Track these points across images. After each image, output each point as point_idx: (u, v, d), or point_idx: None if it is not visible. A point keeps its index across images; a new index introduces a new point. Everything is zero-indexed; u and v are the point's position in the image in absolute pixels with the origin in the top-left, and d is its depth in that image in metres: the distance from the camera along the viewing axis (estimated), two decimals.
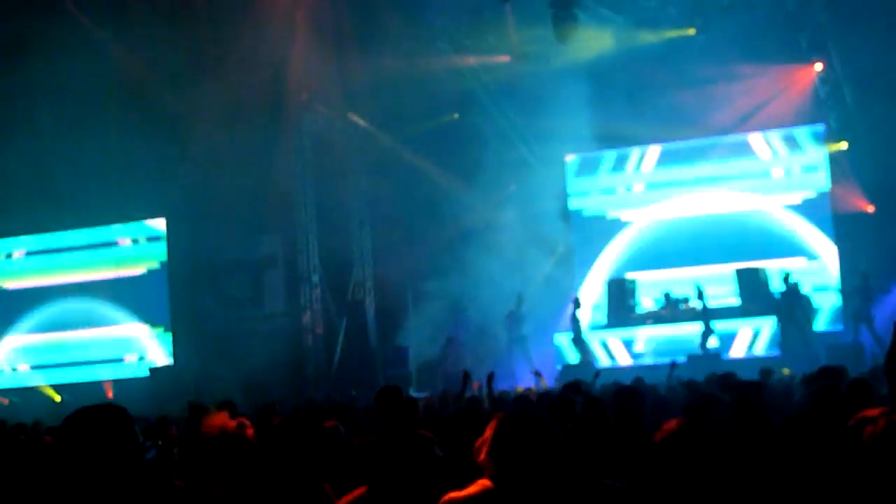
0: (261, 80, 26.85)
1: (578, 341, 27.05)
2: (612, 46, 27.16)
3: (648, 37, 27.10)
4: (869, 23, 24.83)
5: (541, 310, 28.23)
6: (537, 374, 17.12)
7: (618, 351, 28.09)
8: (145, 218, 31.38)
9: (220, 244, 29.68)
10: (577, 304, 27.36)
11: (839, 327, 26.75)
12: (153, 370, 28.89)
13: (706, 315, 25.76)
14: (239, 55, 26.54)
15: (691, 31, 26.87)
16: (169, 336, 30.78)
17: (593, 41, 26.94)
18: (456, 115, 29.68)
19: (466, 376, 13.11)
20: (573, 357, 27.23)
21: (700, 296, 25.78)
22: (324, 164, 28.86)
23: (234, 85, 26.07)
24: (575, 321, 27.11)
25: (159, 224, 31.23)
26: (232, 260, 30.09)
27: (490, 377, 13.66)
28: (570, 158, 30.36)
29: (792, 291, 25.35)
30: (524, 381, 23.30)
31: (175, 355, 30.24)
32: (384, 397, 9.19)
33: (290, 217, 28.70)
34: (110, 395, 29.38)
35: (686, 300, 26.88)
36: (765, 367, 17.15)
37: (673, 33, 27.03)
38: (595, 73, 27.25)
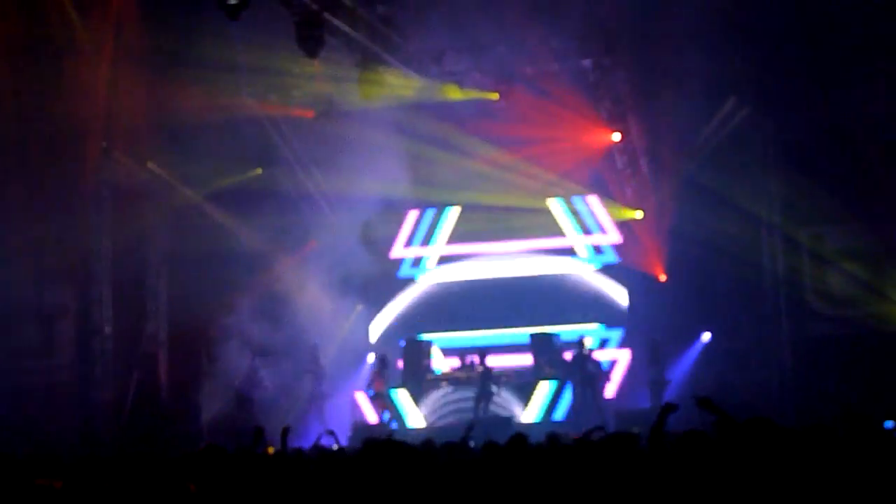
0: (57, 124, 27.21)
1: (381, 398, 27.90)
2: (417, 105, 28.22)
3: (454, 94, 28.19)
4: (666, 95, 26.56)
5: (337, 368, 29.08)
6: (331, 433, 17.65)
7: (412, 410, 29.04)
8: None
9: (9, 293, 29.82)
10: (384, 363, 28.33)
11: (630, 393, 28.30)
12: None
13: (485, 378, 27.02)
14: (36, 97, 26.87)
15: (495, 96, 28.05)
16: None
17: (398, 100, 28.08)
18: (259, 170, 30.46)
19: (259, 433, 13.31)
20: (372, 416, 27.99)
21: (482, 360, 27.15)
22: (121, 214, 29.25)
23: (30, 128, 26.39)
24: (373, 379, 28.00)
25: None
26: (21, 308, 30.20)
27: (284, 432, 13.95)
28: (372, 217, 31.37)
29: (584, 356, 26.88)
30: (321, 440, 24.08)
31: None
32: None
33: (84, 267, 28.98)
34: None
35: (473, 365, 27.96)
36: (552, 433, 18.25)
37: (477, 95, 28.13)
38: (400, 131, 28.42)
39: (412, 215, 31.27)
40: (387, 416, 27.49)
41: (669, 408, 9.01)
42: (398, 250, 31.51)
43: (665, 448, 8.28)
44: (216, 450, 8.76)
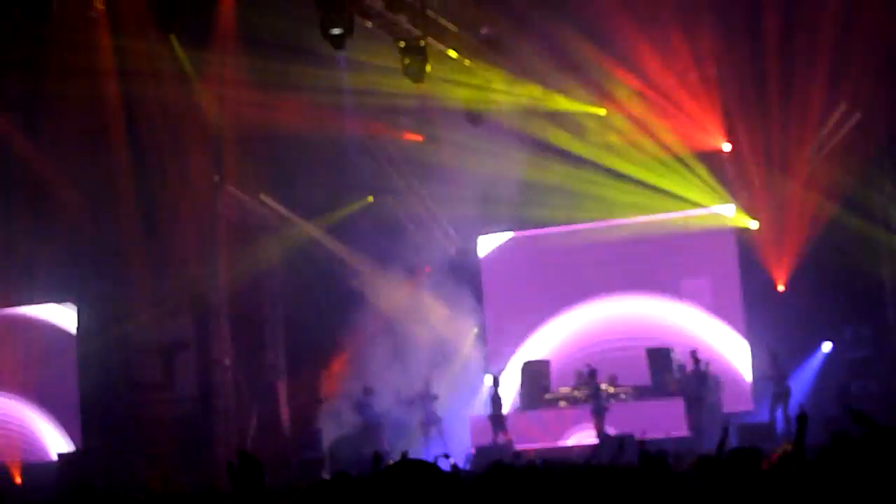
0: (171, 159, 27.93)
1: (497, 421, 28.14)
2: (523, 128, 28.44)
3: (562, 104, 28.43)
4: (777, 103, 26.58)
5: (455, 391, 29.39)
6: (446, 457, 17.85)
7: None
8: (54, 302, 32.22)
9: (130, 327, 30.58)
10: (496, 383, 28.58)
11: (749, 407, 28.24)
12: (61, 455, 29.69)
13: (596, 397, 27.25)
14: (148, 136, 27.61)
15: (602, 112, 28.12)
16: (77, 421, 31.47)
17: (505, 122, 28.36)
18: (370, 198, 30.92)
19: (378, 458, 13.69)
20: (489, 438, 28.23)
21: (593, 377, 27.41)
22: (236, 246, 29.92)
23: (143, 164, 27.10)
24: (495, 401, 28.32)
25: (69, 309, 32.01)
26: (142, 343, 30.93)
27: (403, 456, 14.14)
28: (485, 240, 31.73)
29: (701, 372, 26.92)
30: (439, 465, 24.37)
31: (84, 441, 30.91)
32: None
33: (202, 299, 29.64)
34: (18, 479, 30.05)
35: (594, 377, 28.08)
36: (677, 451, 18.35)
37: (583, 108, 28.23)
38: (506, 154, 28.67)
39: (525, 238, 31.33)
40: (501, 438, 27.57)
41: (804, 419, 9.04)
42: (510, 275, 31.58)
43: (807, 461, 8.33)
44: (344, 477, 8.99)
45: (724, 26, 25.87)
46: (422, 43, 23.31)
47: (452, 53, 24.86)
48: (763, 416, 26.73)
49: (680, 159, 28.24)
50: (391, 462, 16.11)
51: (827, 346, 27.90)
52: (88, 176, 27.53)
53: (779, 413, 26.19)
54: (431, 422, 28.56)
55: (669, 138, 27.99)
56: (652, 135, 27.96)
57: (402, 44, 23.45)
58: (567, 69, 26.91)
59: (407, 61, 23.57)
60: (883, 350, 27.01)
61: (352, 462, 26.50)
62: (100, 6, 23.31)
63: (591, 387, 27.57)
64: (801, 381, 27.74)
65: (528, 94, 27.58)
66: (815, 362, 27.98)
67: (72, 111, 26.23)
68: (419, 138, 29.70)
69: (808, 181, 27.32)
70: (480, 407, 28.87)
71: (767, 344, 27.16)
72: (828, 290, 26.86)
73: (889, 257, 27.05)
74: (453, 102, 27.52)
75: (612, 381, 28.34)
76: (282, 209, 30.27)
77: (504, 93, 27.18)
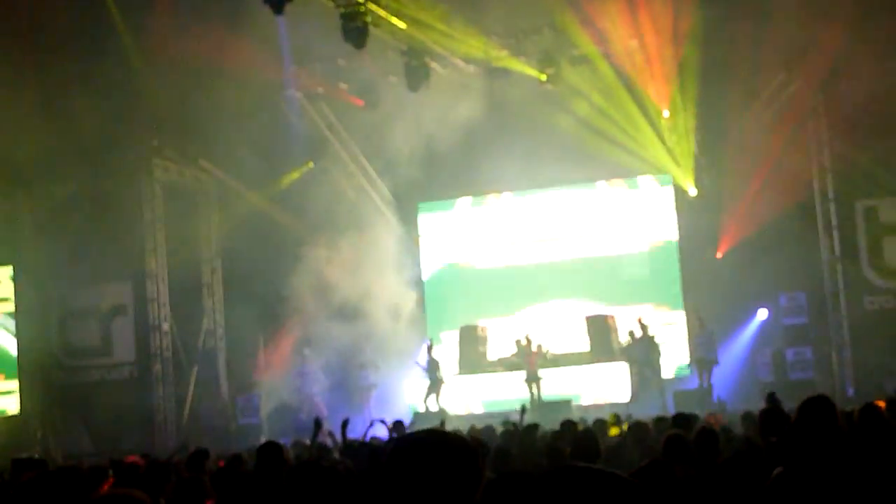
0: (109, 125, 27.91)
1: (431, 386, 28.49)
2: (466, 94, 28.63)
3: (500, 85, 28.58)
4: (716, 73, 26.93)
5: (394, 357, 29.67)
6: (382, 422, 17.98)
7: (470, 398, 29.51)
8: None
9: (68, 292, 30.65)
10: (429, 349, 28.90)
11: (686, 373, 28.76)
12: None
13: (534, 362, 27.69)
14: (87, 99, 27.53)
15: (543, 77, 28.24)
16: (14, 384, 31.49)
17: (446, 88, 28.54)
18: (311, 164, 31.08)
19: (318, 424, 13.71)
20: (423, 405, 28.57)
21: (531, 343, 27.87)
22: (175, 211, 30.03)
23: (81, 130, 27.07)
24: (429, 366, 28.66)
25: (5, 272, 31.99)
26: (80, 307, 31.02)
27: (344, 424, 14.46)
28: (424, 206, 32.01)
29: (642, 337, 27.36)
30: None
31: (21, 404, 30.95)
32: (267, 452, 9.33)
33: (140, 265, 29.73)
34: None
35: (538, 346, 28.41)
36: (615, 414, 18.69)
37: (525, 69, 28.29)
38: (449, 120, 28.86)
39: (462, 202, 31.65)
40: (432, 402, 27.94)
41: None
42: (448, 239, 31.92)
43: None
44: (272, 447, 9.25)
45: None
46: (361, 9, 23.42)
47: (394, 20, 24.93)
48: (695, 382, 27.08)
49: (620, 126, 28.39)
50: (329, 428, 16.27)
51: (763, 314, 28.35)
52: (24, 140, 27.36)
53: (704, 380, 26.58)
54: (369, 387, 28.84)
55: (613, 103, 28.13)
56: (595, 98, 28.06)
57: (343, 10, 23.54)
58: (515, 28, 27.03)
59: (347, 27, 23.65)
60: (817, 317, 27.44)
61: (289, 429, 26.79)
62: None
63: (526, 352, 27.82)
64: (738, 348, 28.21)
65: (470, 53, 27.65)
66: (751, 329, 28.41)
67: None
68: (359, 102, 29.72)
69: (747, 149, 27.65)
70: (420, 372, 29.04)
71: (697, 311, 27.58)
72: (764, 257, 27.21)
73: (824, 222, 27.46)
74: (394, 67, 27.67)
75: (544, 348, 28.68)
76: (221, 174, 30.30)
77: (446, 53, 27.27)
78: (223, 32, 25.78)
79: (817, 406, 6.54)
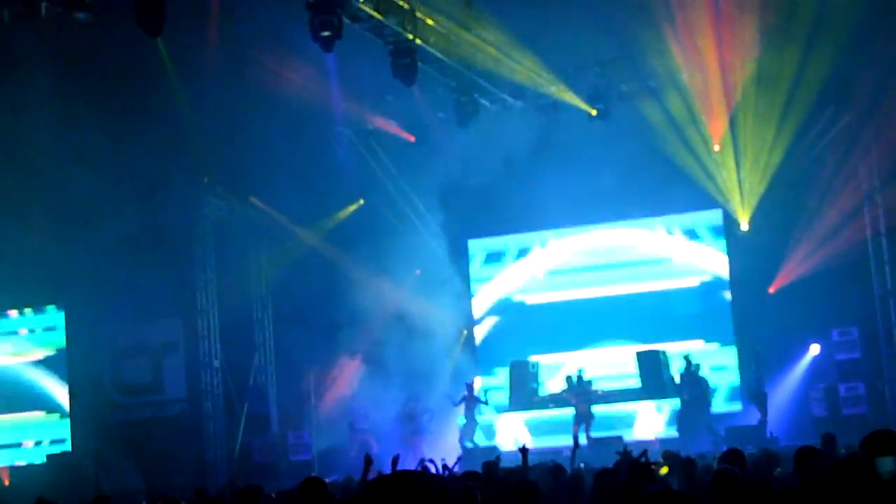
0: (160, 163, 28.22)
1: (471, 425, 28.65)
2: (513, 132, 28.76)
3: (550, 121, 28.68)
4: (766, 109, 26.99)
5: (444, 396, 29.72)
6: (431, 462, 17.99)
7: (521, 434, 29.52)
8: (43, 304, 32.58)
9: (119, 329, 30.93)
10: (469, 388, 29.09)
11: (738, 408, 28.67)
12: (50, 457, 30.03)
13: (582, 399, 27.67)
14: (138, 137, 27.84)
15: (593, 112, 28.26)
16: (67, 422, 31.84)
17: (494, 126, 28.69)
18: (361, 201, 31.27)
19: (368, 461, 13.83)
20: (474, 441, 28.64)
21: (579, 379, 27.84)
22: (225, 248, 30.29)
23: (133, 169, 27.37)
24: (469, 406, 28.83)
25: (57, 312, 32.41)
26: (131, 345, 31.29)
27: (395, 461, 14.54)
28: (474, 244, 32.13)
29: (692, 373, 27.31)
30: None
31: (73, 442, 31.24)
32: (309, 488, 9.42)
33: (190, 302, 29.98)
34: (6, 481, 30.40)
35: (589, 383, 28.42)
36: (666, 451, 18.70)
37: (576, 103, 28.35)
38: (498, 156, 29.01)
39: (512, 240, 31.72)
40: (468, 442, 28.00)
41: None
42: (498, 277, 32.00)
43: None
44: (315, 482, 9.33)
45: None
46: (410, 46, 23.62)
47: (443, 56, 25.11)
48: (748, 417, 27.00)
49: (670, 161, 28.39)
50: (380, 468, 16.35)
51: (815, 349, 28.25)
52: (76, 180, 27.66)
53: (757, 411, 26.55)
54: (420, 432, 28.92)
55: (663, 138, 28.15)
56: (645, 134, 28.10)
57: (392, 46, 23.73)
58: (565, 63, 27.17)
59: (396, 63, 23.84)
60: (869, 352, 27.33)
61: (341, 466, 26.88)
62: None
63: (579, 389, 27.82)
64: (790, 383, 28.12)
65: (519, 89, 27.83)
66: (803, 364, 28.32)
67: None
68: (410, 138, 29.89)
69: (798, 183, 27.65)
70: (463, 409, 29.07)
71: (753, 346, 27.50)
72: (816, 292, 27.16)
73: (876, 258, 27.37)
74: (443, 103, 27.89)
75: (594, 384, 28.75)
76: (271, 210, 30.53)
77: (495, 89, 27.43)
78: (273, 69, 26.05)
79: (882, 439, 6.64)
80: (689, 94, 27.97)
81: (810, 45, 25.15)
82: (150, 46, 26.05)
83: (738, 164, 28.66)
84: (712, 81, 27.30)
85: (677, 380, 27.74)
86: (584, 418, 27.37)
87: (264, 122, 27.34)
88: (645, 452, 11.36)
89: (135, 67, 26.69)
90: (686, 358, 27.61)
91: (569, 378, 28.58)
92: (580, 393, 27.83)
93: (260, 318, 31.68)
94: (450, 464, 18.68)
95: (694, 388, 27.34)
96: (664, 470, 15.25)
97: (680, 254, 30.70)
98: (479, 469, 13.98)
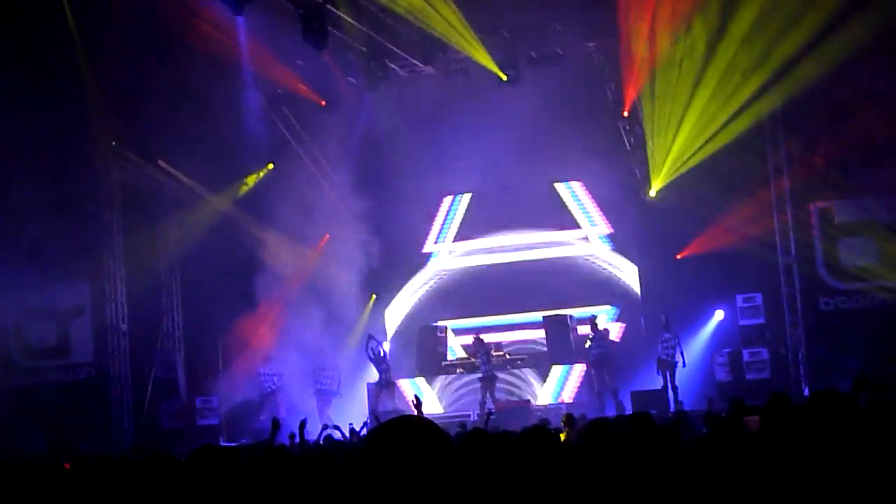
0: (68, 125, 28.06)
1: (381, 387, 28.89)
2: (423, 95, 28.93)
3: (460, 85, 28.82)
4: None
5: (359, 359, 29.91)
6: (335, 427, 18.20)
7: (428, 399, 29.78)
8: None
9: (25, 292, 30.68)
10: (380, 348, 29.27)
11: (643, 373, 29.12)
12: None
13: (487, 362, 27.94)
14: (45, 99, 27.68)
15: (504, 77, 28.35)
16: None
17: (405, 89, 28.86)
18: (271, 166, 31.26)
19: (276, 425, 13.80)
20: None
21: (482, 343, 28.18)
22: (133, 212, 30.16)
23: (40, 130, 27.15)
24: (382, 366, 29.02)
25: None
26: (37, 308, 31.04)
27: (302, 425, 14.74)
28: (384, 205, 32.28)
29: (598, 337, 27.68)
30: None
31: None
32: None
33: (98, 265, 29.81)
34: None
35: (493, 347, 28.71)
36: (569, 414, 19.02)
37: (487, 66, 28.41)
38: (408, 120, 29.19)
39: (421, 202, 31.84)
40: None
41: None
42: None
43: None
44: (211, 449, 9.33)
45: None
46: (321, 10, 23.69)
47: (353, 20, 25.19)
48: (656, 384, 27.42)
49: (580, 127, 28.64)
50: (287, 431, 16.44)
51: (720, 314, 28.75)
52: None
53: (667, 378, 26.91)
54: (328, 390, 29.04)
55: (574, 103, 28.38)
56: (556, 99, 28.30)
57: (302, 10, 23.78)
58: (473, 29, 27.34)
59: (307, 28, 23.89)
60: (773, 318, 27.85)
61: (249, 430, 26.99)
62: None
63: (482, 353, 28.01)
64: (696, 349, 28.59)
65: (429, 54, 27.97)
66: (708, 330, 28.81)
67: None
68: (321, 102, 29.83)
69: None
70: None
71: (659, 312, 27.87)
72: (721, 258, 27.64)
73: (780, 224, 27.86)
74: (353, 67, 27.98)
75: (499, 348, 29.05)
76: (180, 175, 30.42)
77: (405, 53, 27.53)
78: (181, 30, 25.98)
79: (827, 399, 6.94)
80: (601, 59, 28.25)
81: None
82: (54, 5, 25.97)
83: (646, 132, 28.98)
84: (631, 46, 27.55)
85: (586, 344, 28.07)
86: (489, 383, 27.60)
87: (173, 85, 27.19)
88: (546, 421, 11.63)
89: (38, 26, 26.52)
90: (592, 320, 27.93)
91: (474, 342, 28.74)
92: (486, 358, 28.00)
93: (168, 283, 31.59)
94: (357, 428, 18.91)
95: (600, 351, 27.69)
96: (563, 435, 15.57)
97: (588, 221, 31.03)
98: None
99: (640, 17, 26.44)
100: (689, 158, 28.07)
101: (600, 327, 28.07)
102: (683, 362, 27.03)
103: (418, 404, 14.44)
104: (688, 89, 27.47)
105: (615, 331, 29.21)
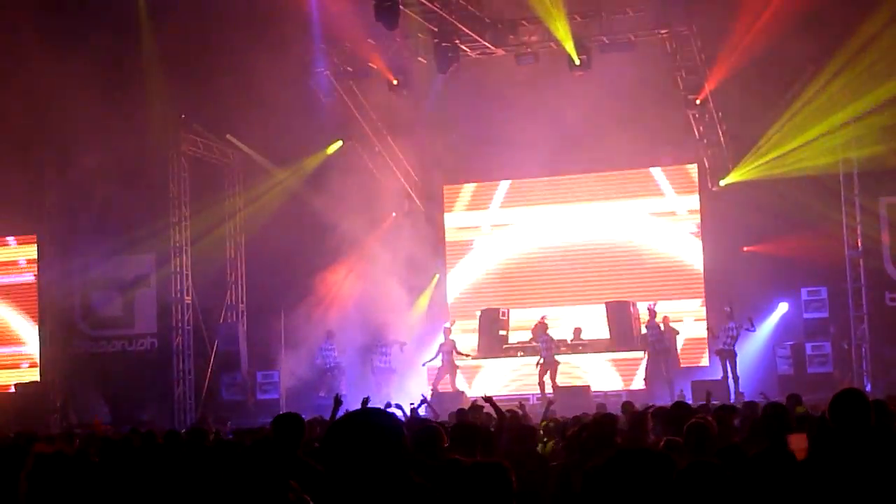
0: (139, 97, 28.39)
1: (444, 370, 29.10)
2: (492, 79, 28.98)
3: (528, 71, 28.81)
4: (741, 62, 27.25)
5: (416, 340, 30.12)
6: (398, 407, 18.33)
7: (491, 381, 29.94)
8: (15, 235, 32.82)
9: (92, 262, 31.10)
10: (447, 332, 29.41)
11: (706, 364, 29.10)
12: (18, 385, 30.30)
13: (549, 347, 28.11)
14: (117, 71, 28.02)
15: (577, 61, 28.19)
16: (35, 351, 32.10)
17: (476, 73, 28.90)
18: (339, 143, 31.41)
19: (338, 401, 14.10)
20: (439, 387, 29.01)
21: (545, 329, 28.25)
22: (201, 185, 30.50)
23: (108, 104, 27.45)
24: (445, 348, 29.21)
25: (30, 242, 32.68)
26: (103, 278, 31.46)
27: (364, 402, 14.81)
28: (449, 189, 32.40)
29: (657, 325, 27.70)
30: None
31: (42, 372, 31.48)
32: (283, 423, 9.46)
33: (164, 238, 30.18)
34: None
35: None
36: (627, 402, 19.11)
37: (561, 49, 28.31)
38: (476, 104, 29.27)
39: (487, 187, 31.99)
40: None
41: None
42: (471, 224, 32.28)
43: None
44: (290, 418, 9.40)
45: None
46: None
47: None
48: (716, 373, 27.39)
49: (650, 114, 28.59)
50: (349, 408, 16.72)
51: (784, 307, 28.67)
52: (52, 113, 27.85)
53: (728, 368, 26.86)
54: (390, 368, 29.19)
55: (643, 91, 28.31)
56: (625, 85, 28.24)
57: None
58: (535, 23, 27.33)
59: (379, 6, 23.99)
60: (836, 312, 27.78)
61: (309, 405, 27.19)
62: None
63: (544, 338, 28.10)
64: (759, 341, 28.53)
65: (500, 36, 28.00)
66: (771, 322, 28.74)
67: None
68: (393, 80, 29.80)
69: (774, 143, 28.03)
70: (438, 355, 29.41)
71: (724, 303, 27.82)
72: (787, 251, 27.58)
73: (848, 218, 27.76)
74: (424, 48, 28.03)
75: (577, 335, 29.07)
76: (248, 150, 30.68)
77: (476, 35, 27.52)
78: (254, 9, 26.21)
79: (851, 399, 6.97)
80: (672, 47, 28.16)
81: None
82: None
83: (716, 121, 28.93)
84: (695, 37, 27.49)
85: (645, 332, 28.10)
86: (549, 366, 27.71)
87: (244, 60, 27.42)
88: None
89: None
90: (650, 309, 27.94)
91: (537, 326, 28.83)
92: (547, 341, 28.09)
93: (233, 257, 31.93)
94: (416, 406, 19.06)
95: (660, 340, 27.71)
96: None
97: (655, 208, 31.00)
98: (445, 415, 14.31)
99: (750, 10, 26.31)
100: (774, 160, 28.10)
101: (658, 316, 28.05)
102: (736, 352, 26.96)
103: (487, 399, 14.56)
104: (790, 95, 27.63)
105: (676, 319, 29.08)
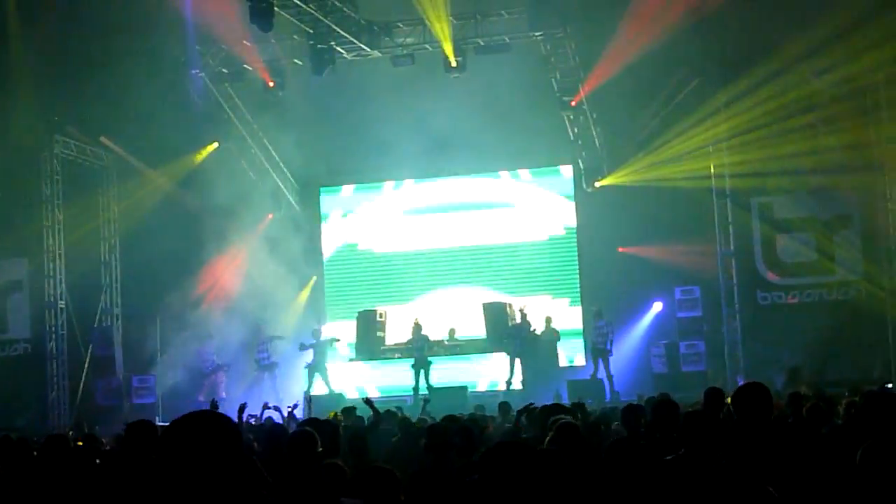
0: (9, 100, 28.00)
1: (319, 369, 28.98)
2: (369, 81, 29.02)
3: (404, 73, 28.89)
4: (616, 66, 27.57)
5: (293, 341, 30.01)
6: (265, 408, 18.28)
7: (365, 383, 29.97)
8: None
9: None
10: (316, 335, 29.34)
11: (581, 363, 29.41)
12: None
13: (422, 348, 28.23)
14: None
15: (452, 63, 28.32)
16: None
17: (352, 75, 28.91)
18: (215, 145, 31.24)
19: (214, 406, 14.14)
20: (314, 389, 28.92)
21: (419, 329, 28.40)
22: (74, 188, 30.14)
23: None
24: (317, 352, 29.12)
25: None
26: None
27: (241, 409, 14.81)
28: (326, 191, 32.44)
29: (526, 326, 27.87)
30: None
31: None
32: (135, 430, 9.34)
33: (37, 241, 29.77)
34: None
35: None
36: (503, 402, 19.20)
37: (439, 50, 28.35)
38: (352, 105, 29.30)
39: (363, 188, 32.10)
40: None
41: None
42: (348, 224, 32.33)
43: None
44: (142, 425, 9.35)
45: None
46: None
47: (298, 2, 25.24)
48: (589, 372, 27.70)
49: (524, 116, 28.78)
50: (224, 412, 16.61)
51: (658, 306, 29.08)
52: None
53: (601, 368, 27.15)
54: (268, 368, 29.11)
55: (518, 93, 28.48)
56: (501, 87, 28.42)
57: None
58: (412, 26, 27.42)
59: (254, 8, 23.91)
60: (710, 311, 28.23)
61: (186, 410, 26.91)
62: None
63: (418, 339, 28.20)
64: (633, 340, 28.91)
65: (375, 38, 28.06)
66: (646, 321, 29.13)
67: None
68: (270, 82, 29.70)
69: (646, 144, 28.46)
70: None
71: (596, 302, 28.18)
72: (661, 252, 28.00)
73: (720, 218, 28.23)
74: (300, 50, 28.00)
75: (452, 335, 29.17)
76: (122, 152, 30.43)
77: (352, 37, 27.52)
78: (128, 10, 26.00)
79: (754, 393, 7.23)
80: (546, 50, 28.38)
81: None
82: None
83: (590, 123, 29.26)
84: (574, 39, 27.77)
85: (516, 332, 28.25)
86: (421, 365, 27.80)
87: (118, 62, 27.20)
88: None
89: None
90: (521, 310, 28.09)
91: (413, 327, 28.89)
92: (422, 343, 28.21)
93: (107, 261, 31.57)
94: (292, 410, 19.00)
95: (537, 341, 27.92)
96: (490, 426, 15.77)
97: (529, 208, 31.29)
98: (324, 416, 14.33)
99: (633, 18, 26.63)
100: (650, 166, 28.58)
101: (535, 315, 28.23)
102: (611, 350, 27.25)
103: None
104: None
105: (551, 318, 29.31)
